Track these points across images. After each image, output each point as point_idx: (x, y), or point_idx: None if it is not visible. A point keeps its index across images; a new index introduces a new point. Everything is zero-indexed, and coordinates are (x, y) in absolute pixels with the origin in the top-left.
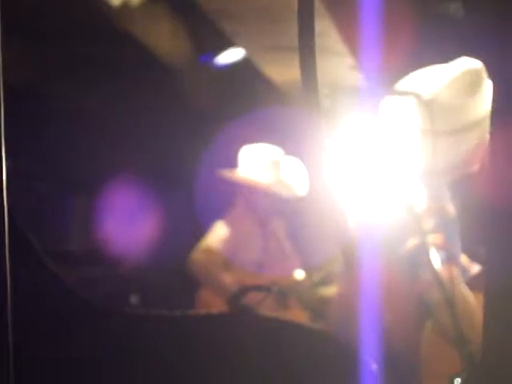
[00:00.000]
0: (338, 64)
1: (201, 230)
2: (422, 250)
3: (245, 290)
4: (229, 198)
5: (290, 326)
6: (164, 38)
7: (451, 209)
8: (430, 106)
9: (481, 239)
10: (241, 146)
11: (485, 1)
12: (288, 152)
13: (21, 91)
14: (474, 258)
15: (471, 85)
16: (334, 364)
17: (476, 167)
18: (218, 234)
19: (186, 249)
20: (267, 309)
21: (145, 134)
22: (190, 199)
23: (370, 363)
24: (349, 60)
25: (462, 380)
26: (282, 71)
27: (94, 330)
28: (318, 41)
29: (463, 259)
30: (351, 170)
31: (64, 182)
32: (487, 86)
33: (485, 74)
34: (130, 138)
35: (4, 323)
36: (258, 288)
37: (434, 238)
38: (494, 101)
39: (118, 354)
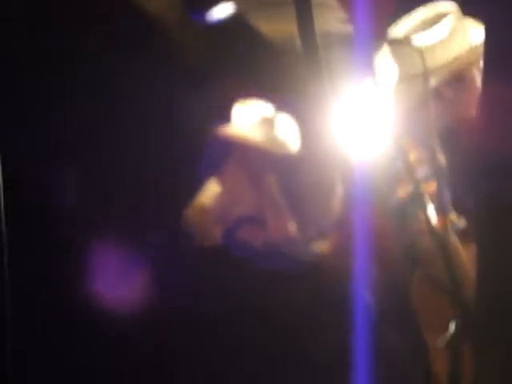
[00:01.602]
0: (328, 17)
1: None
2: (415, 198)
3: (240, 222)
4: (222, 155)
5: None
6: None
7: (442, 158)
8: (420, 52)
9: (469, 190)
10: (234, 102)
11: None
12: (281, 109)
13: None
14: (461, 209)
15: (448, 26)
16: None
17: (467, 115)
18: (211, 191)
19: None
20: (263, 235)
21: (136, 94)
22: (183, 155)
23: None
24: (339, 13)
25: (455, 327)
26: (276, 26)
27: None
28: None
29: (452, 212)
30: (345, 119)
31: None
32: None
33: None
34: (120, 99)
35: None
36: (253, 220)
37: (426, 187)
38: (486, 50)
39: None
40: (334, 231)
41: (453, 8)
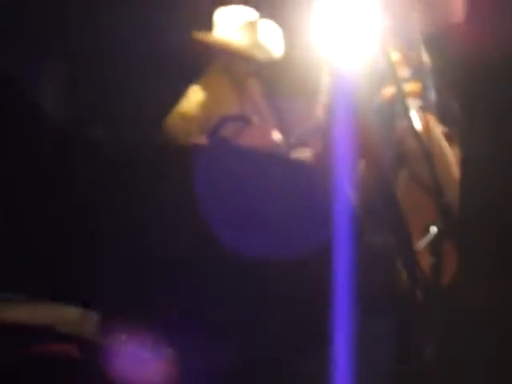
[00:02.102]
0: None
1: None
2: (398, 98)
3: (224, 120)
4: (205, 61)
5: (269, 156)
6: None
7: (426, 58)
8: None
9: (454, 98)
10: (217, 8)
11: None
12: (264, 15)
13: None
14: (445, 112)
15: None
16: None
17: (448, 19)
18: (193, 98)
19: None
20: (247, 140)
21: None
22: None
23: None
24: None
25: (437, 229)
26: None
27: None
28: None
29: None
30: (330, 22)
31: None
32: None
33: None
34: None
35: None
36: (237, 118)
37: (410, 87)
38: None
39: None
40: (317, 136)
41: None
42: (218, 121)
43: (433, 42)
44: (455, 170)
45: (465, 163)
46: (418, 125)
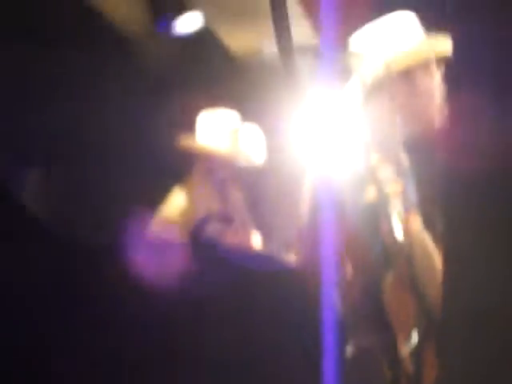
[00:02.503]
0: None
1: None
2: (381, 199)
3: (207, 219)
4: (186, 166)
5: (254, 257)
6: (121, 3)
7: (405, 159)
8: (391, 64)
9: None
10: (199, 113)
11: None
12: (247, 120)
13: None
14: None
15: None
16: (294, 299)
17: (434, 130)
18: (174, 203)
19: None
20: (230, 240)
21: (100, 103)
22: (146, 165)
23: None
24: (306, 22)
25: (418, 335)
26: (239, 38)
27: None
28: None
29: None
30: (311, 128)
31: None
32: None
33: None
34: (83, 106)
35: None
36: (220, 217)
37: (392, 187)
38: (454, 61)
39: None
40: (300, 242)
41: (412, 18)
42: (199, 220)
43: (413, 147)
44: (440, 272)
45: (447, 266)
46: (399, 226)
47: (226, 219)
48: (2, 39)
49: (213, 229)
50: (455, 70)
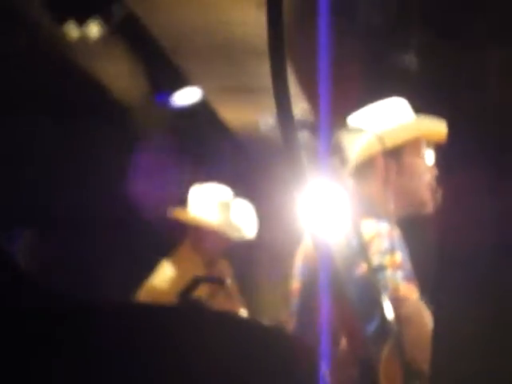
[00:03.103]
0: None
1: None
2: (377, 270)
3: (196, 281)
4: (175, 238)
5: (243, 322)
6: (120, 75)
7: (399, 234)
8: (381, 142)
9: (428, 276)
10: (192, 185)
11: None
12: (239, 194)
13: None
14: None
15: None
16: (285, 366)
17: (430, 210)
18: (163, 274)
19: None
20: (219, 304)
21: (98, 172)
22: (138, 237)
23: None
24: (302, 103)
25: None
26: (236, 112)
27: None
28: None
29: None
30: (304, 204)
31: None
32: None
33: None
34: (82, 176)
35: None
36: (210, 280)
37: (388, 258)
38: (448, 146)
39: (55, 342)
40: (292, 319)
41: (404, 104)
42: (190, 281)
43: (406, 223)
44: None
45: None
46: (397, 297)
47: (215, 281)
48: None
49: (202, 291)
50: (450, 154)
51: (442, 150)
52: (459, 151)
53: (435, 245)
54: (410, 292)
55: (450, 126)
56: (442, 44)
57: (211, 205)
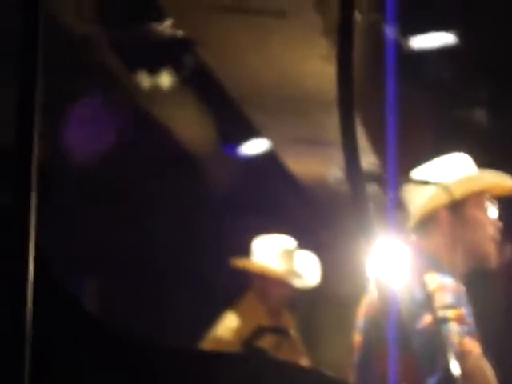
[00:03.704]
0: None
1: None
2: (439, 324)
3: (261, 331)
4: (241, 288)
5: (306, 372)
6: (190, 124)
7: (463, 288)
8: (446, 193)
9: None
10: (257, 236)
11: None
12: (304, 246)
13: None
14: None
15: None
16: None
17: (495, 264)
18: (228, 324)
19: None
20: (283, 354)
21: (166, 221)
22: (203, 289)
23: None
24: (371, 158)
25: None
26: (305, 165)
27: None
28: None
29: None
30: (372, 256)
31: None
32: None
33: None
34: (152, 226)
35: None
36: (275, 330)
37: (450, 312)
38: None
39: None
40: (354, 371)
41: (467, 159)
42: (254, 330)
43: (471, 278)
44: None
45: None
46: (459, 352)
47: (280, 331)
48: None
49: (266, 341)
50: None
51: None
52: None
53: (501, 301)
54: (474, 347)
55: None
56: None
57: (275, 253)
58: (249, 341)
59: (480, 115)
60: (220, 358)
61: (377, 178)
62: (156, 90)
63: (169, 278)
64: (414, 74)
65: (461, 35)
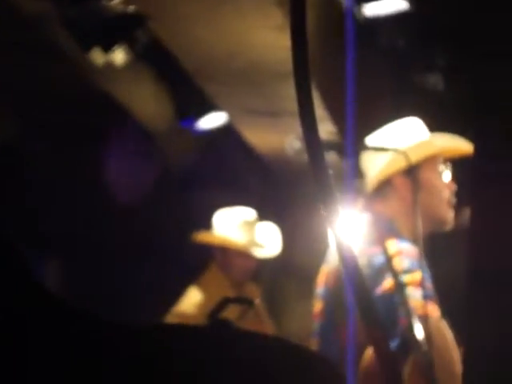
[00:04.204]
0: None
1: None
2: (398, 289)
3: (225, 302)
4: (203, 262)
5: (271, 341)
6: (146, 100)
7: (419, 253)
8: (401, 160)
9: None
10: (217, 209)
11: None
12: (264, 216)
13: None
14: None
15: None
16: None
17: (452, 226)
18: (192, 298)
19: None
20: (248, 324)
21: (124, 199)
22: (164, 263)
23: None
24: (328, 126)
25: None
26: (262, 136)
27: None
28: None
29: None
30: (332, 222)
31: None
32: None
33: None
34: (108, 203)
35: None
36: (239, 300)
37: (410, 277)
38: (475, 162)
39: (87, 363)
40: (315, 339)
41: (421, 125)
42: (218, 302)
43: (428, 241)
44: (458, 361)
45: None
46: (418, 315)
47: (244, 301)
48: None
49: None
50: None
51: (464, 168)
52: (486, 170)
53: (462, 265)
54: (431, 311)
55: (477, 140)
56: (466, 63)
57: (236, 225)
58: (213, 313)
59: (434, 81)
60: (184, 331)
61: (335, 147)
62: (110, 67)
63: (130, 254)
64: (368, 41)
65: (416, 0)
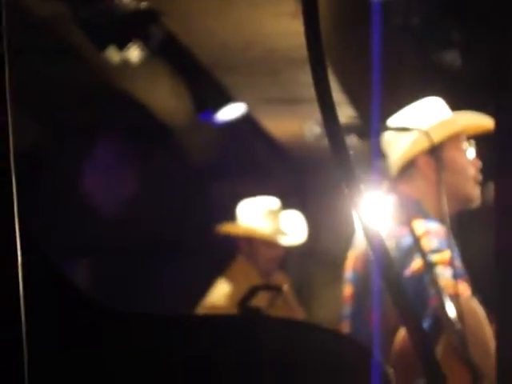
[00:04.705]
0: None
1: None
2: (427, 269)
3: (254, 290)
4: (229, 254)
5: (302, 326)
6: (164, 96)
7: (449, 231)
8: (425, 139)
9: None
10: (241, 200)
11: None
12: (287, 204)
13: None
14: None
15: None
16: (351, 369)
17: (478, 203)
18: (221, 290)
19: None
20: (277, 310)
21: (145, 193)
22: (192, 257)
23: (386, 369)
24: (347, 109)
25: None
26: (281, 124)
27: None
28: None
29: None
30: (356, 206)
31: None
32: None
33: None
34: (130, 198)
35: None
36: (268, 287)
37: (439, 257)
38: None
39: (123, 355)
40: (345, 323)
41: (442, 104)
42: (247, 291)
43: (455, 220)
44: (491, 339)
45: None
46: (448, 295)
47: (273, 288)
48: None
49: (260, 299)
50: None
51: (488, 144)
52: (509, 145)
53: (489, 244)
54: (462, 290)
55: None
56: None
57: (260, 215)
58: (243, 302)
59: (452, 57)
60: (215, 320)
61: (355, 130)
62: (126, 64)
63: (157, 251)
64: (384, 19)
65: None
